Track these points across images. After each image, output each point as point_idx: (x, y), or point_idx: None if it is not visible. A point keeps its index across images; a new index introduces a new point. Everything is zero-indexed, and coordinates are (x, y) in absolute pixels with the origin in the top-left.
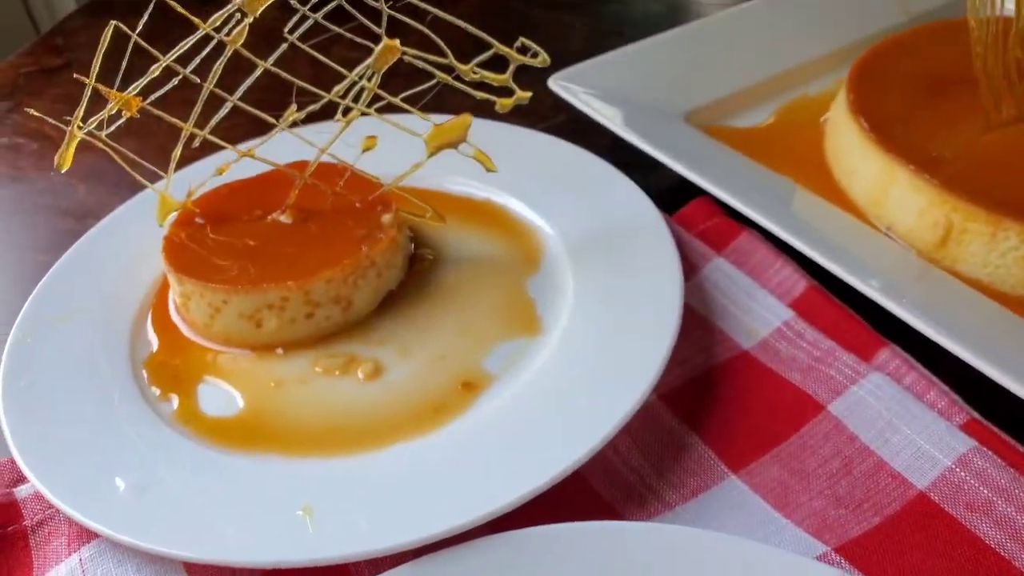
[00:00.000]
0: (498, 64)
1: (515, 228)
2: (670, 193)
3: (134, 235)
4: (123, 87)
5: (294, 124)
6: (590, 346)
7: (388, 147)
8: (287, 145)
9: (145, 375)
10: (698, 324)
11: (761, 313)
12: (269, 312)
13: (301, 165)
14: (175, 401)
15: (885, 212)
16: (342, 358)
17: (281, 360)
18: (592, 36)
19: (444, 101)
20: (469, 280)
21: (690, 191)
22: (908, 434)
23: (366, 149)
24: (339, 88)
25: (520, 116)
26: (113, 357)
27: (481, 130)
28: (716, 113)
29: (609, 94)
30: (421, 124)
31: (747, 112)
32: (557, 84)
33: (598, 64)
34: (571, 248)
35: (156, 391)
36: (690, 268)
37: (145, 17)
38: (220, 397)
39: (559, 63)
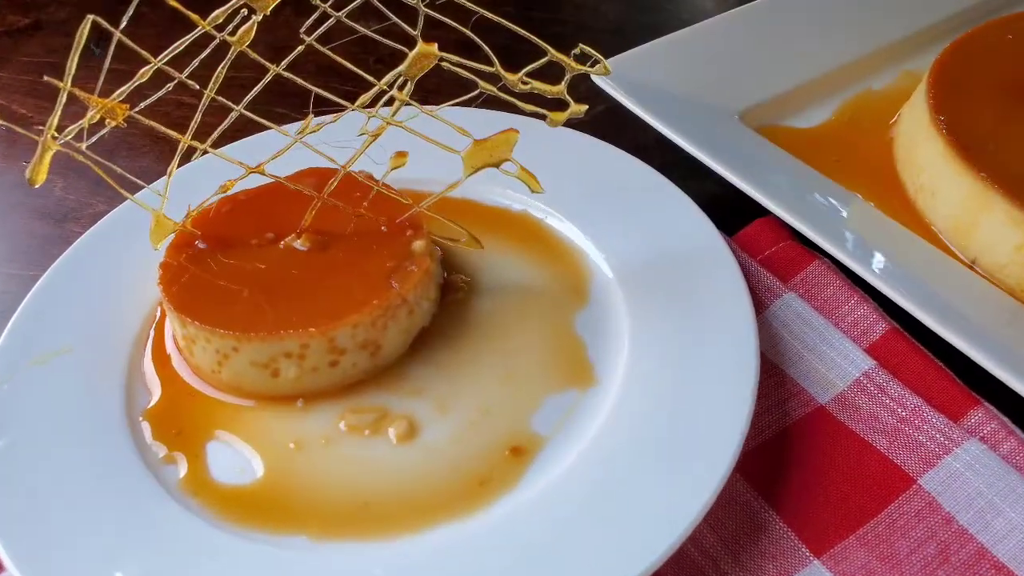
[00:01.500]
0: (546, 70)
1: (558, 249)
2: (722, 201)
3: (124, 253)
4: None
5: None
6: (654, 406)
7: (416, 149)
8: (298, 149)
9: (145, 432)
10: (769, 372)
11: (837, 361)
12: (287, 361)
13: (315, 174)
14: (181, 465)
15: (972, 242)
16: (371, 414)
17: (301, 414)
18: (627, 9)
19: (468, 89)
20: (509, 314)
21: (744, 199)
22: (1012, 517)
23: (395, 167)
24: (365, 98)
25: (553, 107)
26: (106, 410)
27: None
28: (772, 111)
29: (656, 89)
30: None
31: (806, 110)
32: (599, 77)
33: (644, 54)
34: (622, 277)
35: (158, 451)
36: (757, 303)
37: (131, 11)
38: (233, 460)
39: (591, 40)
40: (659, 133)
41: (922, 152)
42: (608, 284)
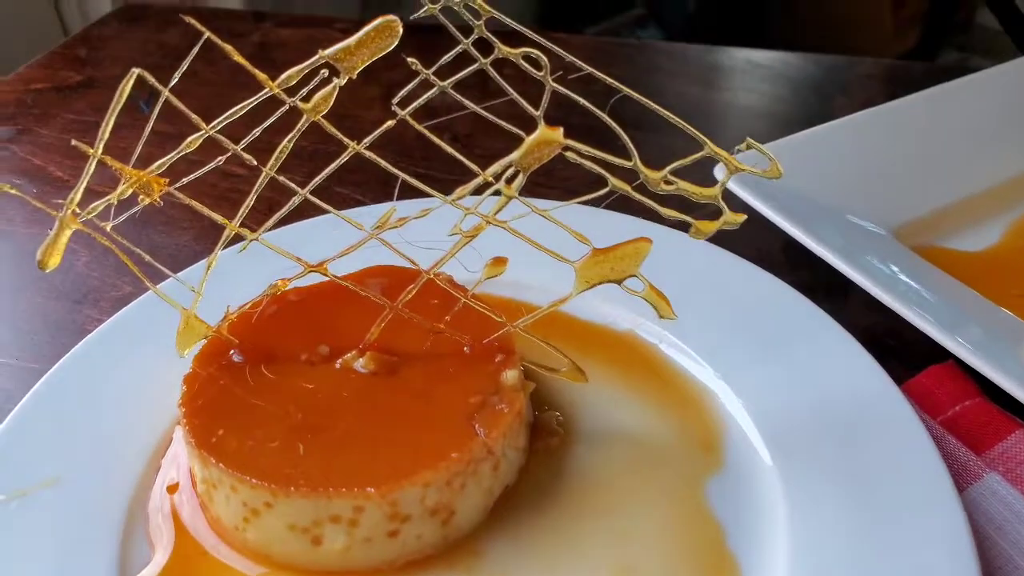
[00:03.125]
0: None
1: (677, 387)
2: (877, 336)
3: (143, 357)
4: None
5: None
6: None
7: (513, 249)
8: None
9: None
10: None
11: None
12: (334, 526)
13: (385, 274)
14: None
15: None
16: None
17: None
18: (717, 100)
19: (553, 174)
20: (618, 475)
21: (906, 336)
22: None
23: (490, 277)
24: (464, 191)
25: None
26: (91, 569)
27: (605, 227)
28: (929, 228)
29: (793, 194)
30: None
31: (969, 230)
32: (735, 179)
33: (782, 150)
34: (768, 433)
35: None
36: None
37: (184, 66)
38: None
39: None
40: (787, 242)
41: None
42: (748, 441)
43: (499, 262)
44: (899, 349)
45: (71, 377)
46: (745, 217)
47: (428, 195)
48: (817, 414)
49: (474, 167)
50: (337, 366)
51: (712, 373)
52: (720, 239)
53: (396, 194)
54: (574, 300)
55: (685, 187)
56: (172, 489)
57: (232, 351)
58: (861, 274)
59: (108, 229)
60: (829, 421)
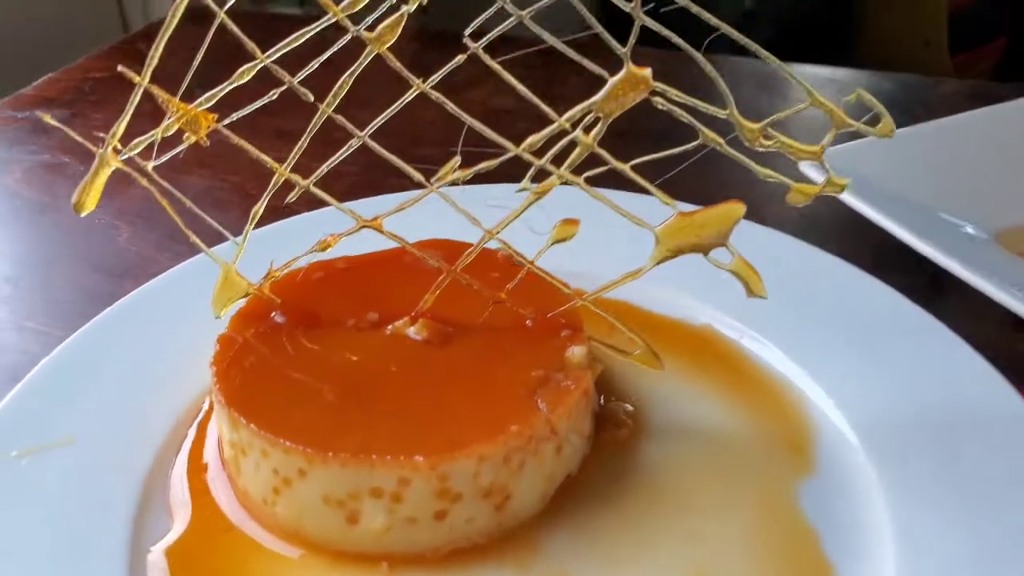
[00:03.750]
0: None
1: (761, 385)
2: (980, 342)
3: (177, 320)
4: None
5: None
6: None
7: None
8: (427, 212)
9: None
10: None
11: None
12: (374, 501)
13: (441, 247)
14: None
15: None
16: None
17: None
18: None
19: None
20: (694, 472)
21: (1001, 335)
22: None
23: (559, 240)
24: (536, 139)
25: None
26: (105, 535)
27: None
28: None
29: (891, 195)
30: (651, 205)
31: None
32: (813, 168)
33: (874, 148)
34: (867, 434)
35: None
36: None
37: None
38: None
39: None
40: (875, 245)
41: None
42: (843, 445)
43: (570, 223)
44: (1006, 358)
45: (97, 341)
46: (849, 181)
47: (496, 147)
48: (924, 418)
49: (549, 111)
50: (387, 332)
51: (800, 371)
52: (805, 238)
53: (460, 144)
54: (647, 292)
55: (787, 143)
56: (198, 458)
57: (274, 312)
58: (973, 274)
59: (149, 168)
60: (938, 425)
